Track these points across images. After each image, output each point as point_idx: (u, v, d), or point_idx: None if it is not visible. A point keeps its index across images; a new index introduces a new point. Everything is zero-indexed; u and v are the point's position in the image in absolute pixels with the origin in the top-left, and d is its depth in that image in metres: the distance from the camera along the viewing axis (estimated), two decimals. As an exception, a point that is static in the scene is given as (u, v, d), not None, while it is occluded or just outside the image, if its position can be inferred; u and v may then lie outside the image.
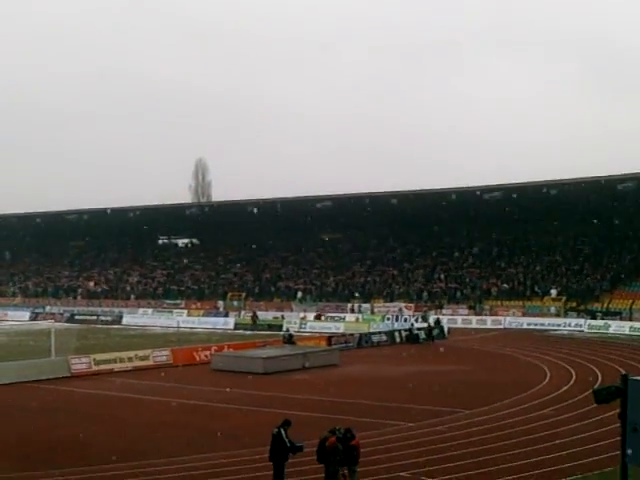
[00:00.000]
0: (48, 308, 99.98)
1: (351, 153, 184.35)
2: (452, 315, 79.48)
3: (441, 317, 75.37)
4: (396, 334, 65.71)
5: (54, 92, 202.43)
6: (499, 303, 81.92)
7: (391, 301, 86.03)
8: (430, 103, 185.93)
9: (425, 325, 68.87)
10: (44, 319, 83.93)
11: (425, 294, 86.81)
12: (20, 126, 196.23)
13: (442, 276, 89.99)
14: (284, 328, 70.69)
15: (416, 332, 65.69)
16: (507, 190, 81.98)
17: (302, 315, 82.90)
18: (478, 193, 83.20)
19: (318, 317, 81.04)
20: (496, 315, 79.47)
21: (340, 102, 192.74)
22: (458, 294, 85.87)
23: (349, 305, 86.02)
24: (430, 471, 23.26)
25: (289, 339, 57.26)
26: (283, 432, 21.54)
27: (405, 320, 75.35)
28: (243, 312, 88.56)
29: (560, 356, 52.48)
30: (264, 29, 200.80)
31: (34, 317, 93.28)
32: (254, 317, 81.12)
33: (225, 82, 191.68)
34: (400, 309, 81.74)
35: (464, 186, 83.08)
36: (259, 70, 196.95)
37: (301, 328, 76.06)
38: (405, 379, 43.93)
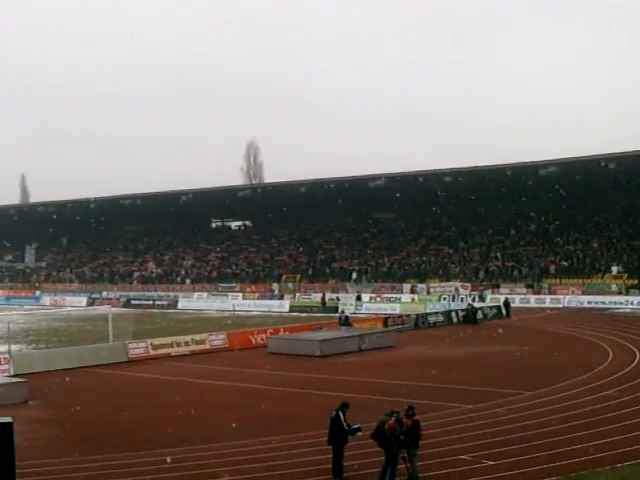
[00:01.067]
0: (105, 293, 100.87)
1: (402, 131, 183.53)
2: (510, 294, 78.28)
3: (498, 296, 74.64)
4: (453, 314, 65.03)
5: (103, 79, 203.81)
6: (558, 281, 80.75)
7: (447, 281, 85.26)
8: (482, 78, 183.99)
9: (483, 305, 68.17)
10: (101, 304, 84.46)
11: (481, 273, 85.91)
12: (69, 112, 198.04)
13: (498, 254, 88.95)
14: (339, 310, 70.24)
15: (473, 312, 64.96)
16: (563, 165, 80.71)
17: (357, 296, 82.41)
18: (533, 169, 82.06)
19: (358, 298, 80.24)
20: (555, 294, 78.48)
21: (390, 79, 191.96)
22: (515, 273, 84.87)
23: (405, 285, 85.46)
24: (491, 454, 22.65)
25: (345, 321, 56.75)
26: (341, 415, 21.24)
27: (462, 300, 74.65)
28: (298, 294, 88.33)
29: (623, 335, 51.48)
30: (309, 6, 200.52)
31: (91, 302, 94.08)
32: (323, 299, 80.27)
33: (273, 62, 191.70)
34: (456, 289, 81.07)
35: (519, 162, 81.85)
36: (307, 49, 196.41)
37: (357, 309, 75.66)
38: (463, 360, 43.34)
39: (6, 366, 39.64)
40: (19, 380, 35.11)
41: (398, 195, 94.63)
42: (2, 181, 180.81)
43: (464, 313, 64.76)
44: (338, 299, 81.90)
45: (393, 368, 40.96)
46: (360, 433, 21.24)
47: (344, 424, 21.07)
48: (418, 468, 20.63)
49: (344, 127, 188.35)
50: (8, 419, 15.16)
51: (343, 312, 62.39)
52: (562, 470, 20.71)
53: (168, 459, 22.56)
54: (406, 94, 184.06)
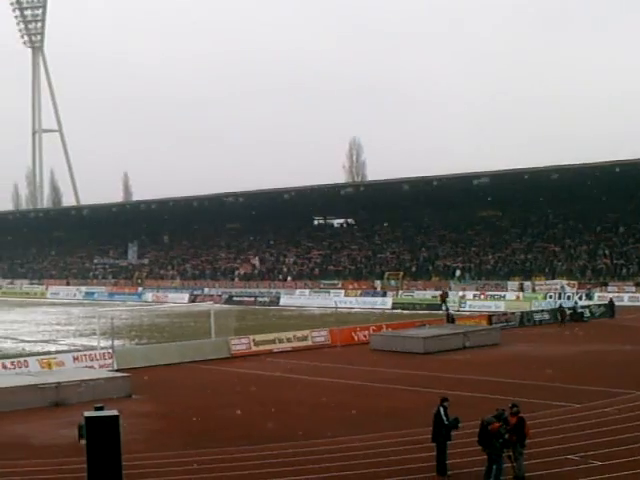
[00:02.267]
0: (206, 290, 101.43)
1: (505, 128, 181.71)
2: (618, 293, 76.52)
3: (606, 294, 73.13)
4: (559, 313, 63.82)
5: (203, 80, 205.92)
6: (668, 279, 78.66)
7: (552, 278, 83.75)
8: (590, 74, 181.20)
9: (591, 303, 66.80)
10: (203, 301, 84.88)
11: (589, 271, 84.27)
12: (169, 111, 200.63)
13: (607, 252, 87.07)
14: (443, 307, 69.55)
15: (580, 310, 63.73)
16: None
17: (461, 294, 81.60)
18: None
19: (442, 297, 77.90)
20: (665, 292, 76.47)
21: (489, 76, 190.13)
22: (624, 271, 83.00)
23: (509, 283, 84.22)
24: (600, 454, 22.12)
25: (450, 319, 56.20)
26: (442, 410, 21.12)
27: (568, 298, 73.32)
28: (401, 292, 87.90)
29: None
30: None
31: (193, 299, 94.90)
32: (443, 296, 77.71)
33: (375, 60, 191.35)
34: (562, 287, 79.56)
35: (628, 159, 79.98)
36: (408, 47, 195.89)
37: (460, 307, 74.94)
38: (570, 358, 42.53)
39: (109, 361, 40.26)
40: (122, 375, 35.52)
41: (502, 192, 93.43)
42: (106, 180, 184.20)
43: (571, 311, 63.50)
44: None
45: (498, 366, 40.42)
46: (460, 425, 21.04)
47: (444, 419, 20.95)
48: (525, 467, 20.21)
49: (447, 124, 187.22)
50: (114, 412, 15.22)
51: (448, 309, 61.00)
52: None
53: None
54: (508, 90, 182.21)
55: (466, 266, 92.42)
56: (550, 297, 76.26)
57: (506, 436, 19.82)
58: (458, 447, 21.46)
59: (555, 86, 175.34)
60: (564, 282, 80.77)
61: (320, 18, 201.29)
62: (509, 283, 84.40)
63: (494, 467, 19.71)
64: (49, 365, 38.45)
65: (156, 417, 29.45)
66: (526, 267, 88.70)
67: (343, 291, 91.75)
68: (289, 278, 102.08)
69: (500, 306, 73.16)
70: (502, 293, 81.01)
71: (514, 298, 77.71)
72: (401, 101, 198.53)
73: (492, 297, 79.14)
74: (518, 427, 20.26)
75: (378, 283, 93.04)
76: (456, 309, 69.85)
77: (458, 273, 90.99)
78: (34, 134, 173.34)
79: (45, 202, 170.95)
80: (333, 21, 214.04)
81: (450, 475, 20.64)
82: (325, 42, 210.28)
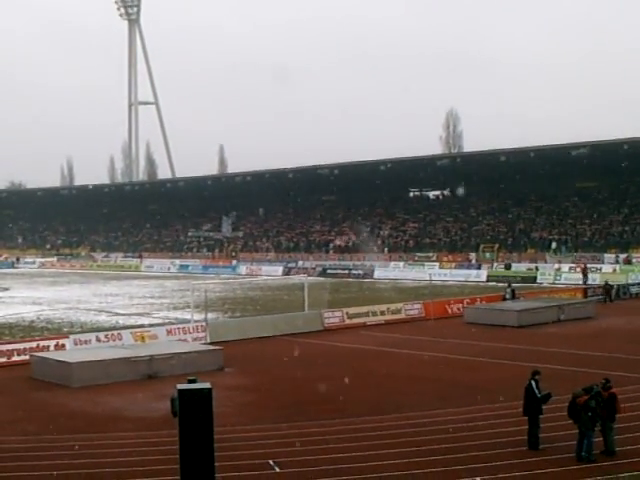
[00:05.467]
0: (300, 263, 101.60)
1: (608, 98, 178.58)
2: None
3: None
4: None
5: (296, 51, 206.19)
6: None
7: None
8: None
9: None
10: (296, 273, 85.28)
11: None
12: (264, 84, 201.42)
13: None
14: (538, 280, 68.03)
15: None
16: None
17: (557, 266, 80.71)
18: None
19: (584, 270, 74.98)
20: None
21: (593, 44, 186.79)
22: None
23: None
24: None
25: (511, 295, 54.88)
26: (533, 383, 21.14)
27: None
28: (496, 264, 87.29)
29: None
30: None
31: (287, 272, 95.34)
32: (584, 270, 75.36)
33: (473, 30, 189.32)
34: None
35: None
36: (505, 16, 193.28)
37: (556, 280, 74.12)
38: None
39: (203, 334, 40.67)
40: (215, 348, 35.96)
41: (601, 163, 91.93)
42: (202, 153, 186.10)
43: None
44: (537, 269, 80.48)
45: (591, 339, 40.13)
46: (552, 397, 21.04)
47: (536, 392, 20.97)
48: (615, 442, 20.10)
49: (546, 94, 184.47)
50: (207, 384, 15.49)
51: (509, 285, 58.23)
52: None
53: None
54: (611, 61, 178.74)
55: (562, 238, 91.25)
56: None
57: (597, 410, 19.76)
58: (550, 421, 21.41)
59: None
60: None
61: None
62: (606, 255, 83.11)
63: (585, 441, 19.69)
64: (142, 338, 39.06)
65: (248, 390, 29.75)
66: (624, 239, 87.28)
67: (437, 264, 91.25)
68: (386, 250, 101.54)
69: (596, 279, 72.23)
70: (599, 265, 79.84)
71: (610, 271, 76.62)
72: (499, 72, 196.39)
73: (588, 270, 78.10)
74: (609, 402, 20.18)
75: (473, 256, 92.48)
76: (551, 282, 69.10)
77: (554, 245, 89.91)
78: (130, 107, 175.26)
79: (141, 175, 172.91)
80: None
81: (542, 449, 20.66)
82: (422, 13, 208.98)
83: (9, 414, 26.52)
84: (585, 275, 73.46)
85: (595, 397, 19.88)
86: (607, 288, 60.02)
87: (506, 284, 58.61)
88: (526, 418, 21.10)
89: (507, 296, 53.00)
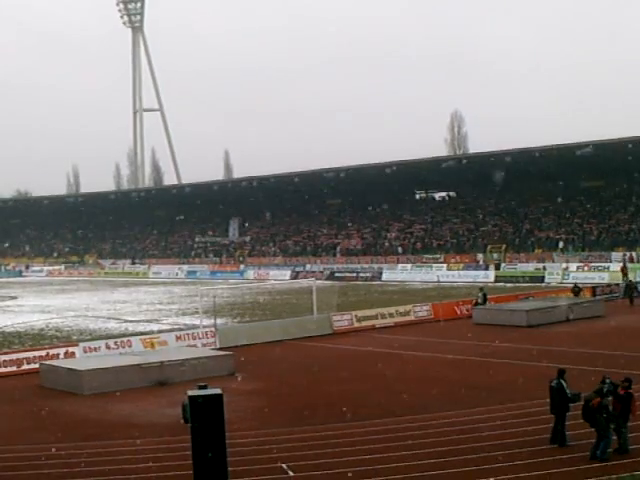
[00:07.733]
0: (308, 266, 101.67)
1: (610, 98, 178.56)
2: None
3: None
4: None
5: (298, 55, 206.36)
6: None
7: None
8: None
9: None
10: (304, 277, 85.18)
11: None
12: (266, 90, 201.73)
13: None
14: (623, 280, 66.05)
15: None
16: None
17: (564, 266, 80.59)
18: None
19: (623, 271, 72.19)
20: None
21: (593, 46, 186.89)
22: None
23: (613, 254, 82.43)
24: None
25: (578, 291, 55.39)
26: (563, 383, 21.25)
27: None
28: (503, 264, 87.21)
29: None
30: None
31: (295, 276, 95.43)
32: (624, 269, 73.03)
33: (475, 33, 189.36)
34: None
35: None
36: (503, 18, 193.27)
37: (563, 279, 74.02)
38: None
39: (212, 339, 40.72)
40: (225, 353, 35.90)
41: (606, 162, 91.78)
42: (207, 158, 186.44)
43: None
44: (544, 269, 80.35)
45: (601, 338, 39.99)
46: (583, 394, 20.91)
47: (567, 392, 21.11)
48: (629, 440, 20.08)
49: (547, 95, 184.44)
50: (217, 390, 15.46)
51: (482, 290, 56.52)
52: None
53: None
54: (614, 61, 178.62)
55: (569, 238, 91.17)
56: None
57: (610, 407, 19.79)
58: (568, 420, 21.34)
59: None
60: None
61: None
62: (613, 254, 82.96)
63: (602, 443, 19.65)
64: (152, 344, 39.09)
65: (260, 395, 29.70)
66: (630, 237, 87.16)
67: (445, 265, 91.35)
68: (400, 250, 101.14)
69: (604, 277, 72.06)
70: (606, 264, 79.71)
71: (618, 269, 76.50)
72: (502, 73, 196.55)
73: (596, 268, 78.01)
74: (625, 400, 20.11)
75: (480, 256, 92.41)
76: (559, 281, 68.95)
77: (561, 245, 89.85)
78: (135, 114, 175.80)
79: (147, 181, 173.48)
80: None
81: (568, 445, 20.78)
82: (426, 15, 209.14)
83: (19, 423, 26.52)
84: (625, 275, 70.96)
85: (607, 395, 19.84)
86: (631, 287, 58.66)
87: (479, 289, 57.12)
88: (553, 416, 21.21)
89: (479, 300, 52.17)
